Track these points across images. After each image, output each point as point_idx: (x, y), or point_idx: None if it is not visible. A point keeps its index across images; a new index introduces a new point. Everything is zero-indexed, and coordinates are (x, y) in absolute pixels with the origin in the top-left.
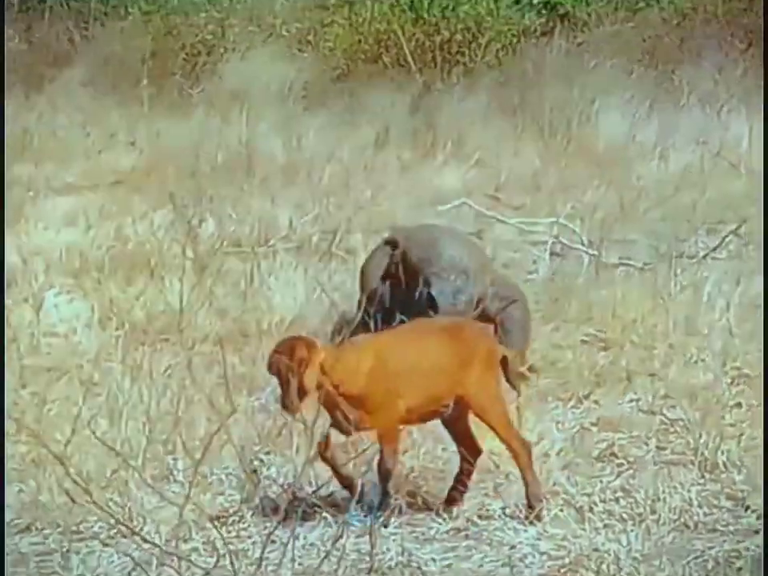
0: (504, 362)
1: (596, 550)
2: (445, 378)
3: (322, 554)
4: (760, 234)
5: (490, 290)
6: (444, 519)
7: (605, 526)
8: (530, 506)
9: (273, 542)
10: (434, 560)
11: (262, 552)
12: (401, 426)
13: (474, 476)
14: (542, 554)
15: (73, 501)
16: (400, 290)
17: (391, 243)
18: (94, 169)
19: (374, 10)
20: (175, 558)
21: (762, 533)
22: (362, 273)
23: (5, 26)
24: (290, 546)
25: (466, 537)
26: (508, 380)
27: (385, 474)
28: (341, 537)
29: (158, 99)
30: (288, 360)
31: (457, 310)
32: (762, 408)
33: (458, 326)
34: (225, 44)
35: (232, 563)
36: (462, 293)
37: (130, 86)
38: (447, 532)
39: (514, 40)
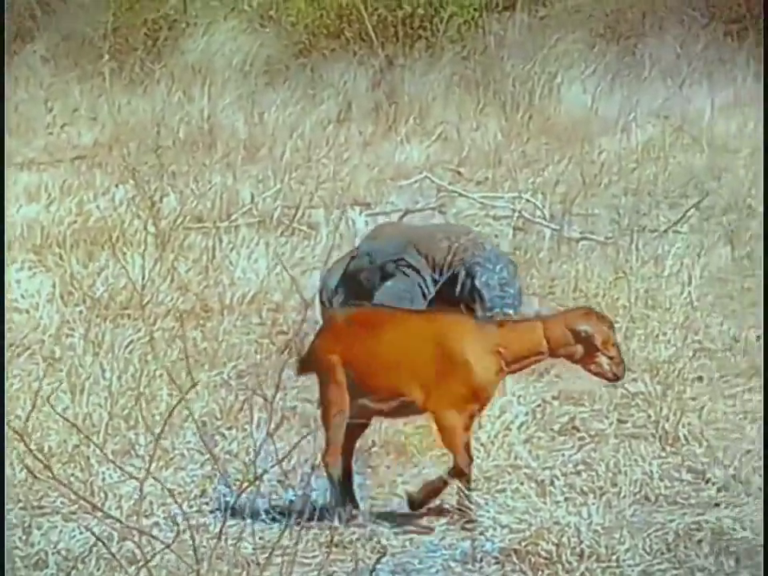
0: None
1: (557, 523)
2: None
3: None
4: (720, 208)
5: None
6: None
7: (566, 499)
8: None
9: (234, 516)
10: (395, 534)
11: (222, 526)
12: None
13: (435, 450)
14: (503, 527)
15: (34, 476)
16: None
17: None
18: (56, 144)
19: None
20: (136, 533)
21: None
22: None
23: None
24: (249, 521)
25: (428, 510)
26: None
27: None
28: (302, 511)
29: (120, 74)
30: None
31: (504, 303)
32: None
33: None
34: (186, 19)
35: (192, 537)
36: (510, 285)
37: (91, 61)
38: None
39: (476, 14)
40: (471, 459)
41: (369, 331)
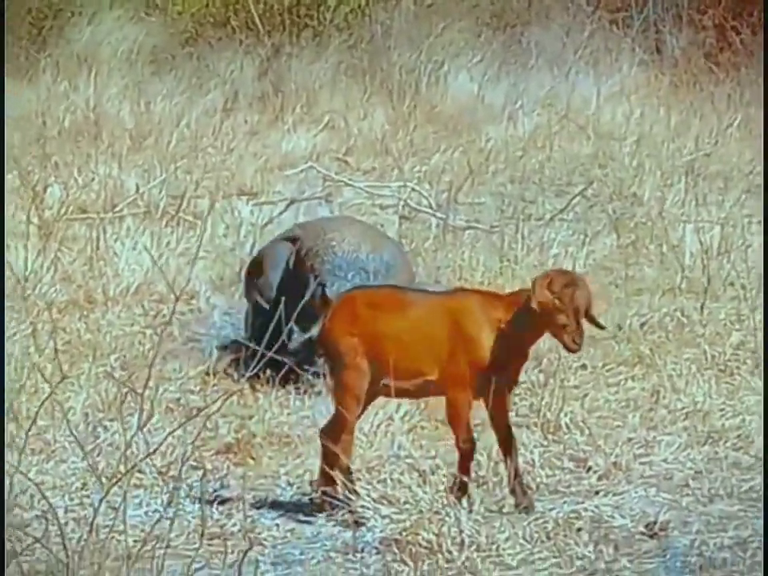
0: None
1: (437, 512)
2: None
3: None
4: (605, 196)
5: None
6: (289, 485)
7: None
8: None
9: (114, 508)
10: (277, 525)
11: (94, 517)
12: None
13: (318, 440)
14: (383, 517)
15: None
16: (291, 287)
17: (291, 239)
18: None
19: None
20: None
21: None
22: (257, 263)
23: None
24: (121, 510)
25: (310, 501)
26: None
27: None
28: (171, 502)
29: (5, 64)
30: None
31: None
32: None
33: None
34: (72, 8)
35: (61, 530)
36: None
37: None
38: (291, 497)
39: (363, 3)
40: (472, 438)
41: (389, 313)
